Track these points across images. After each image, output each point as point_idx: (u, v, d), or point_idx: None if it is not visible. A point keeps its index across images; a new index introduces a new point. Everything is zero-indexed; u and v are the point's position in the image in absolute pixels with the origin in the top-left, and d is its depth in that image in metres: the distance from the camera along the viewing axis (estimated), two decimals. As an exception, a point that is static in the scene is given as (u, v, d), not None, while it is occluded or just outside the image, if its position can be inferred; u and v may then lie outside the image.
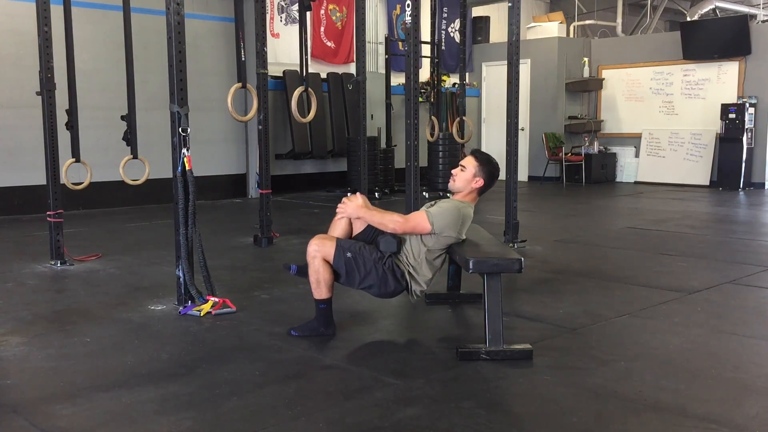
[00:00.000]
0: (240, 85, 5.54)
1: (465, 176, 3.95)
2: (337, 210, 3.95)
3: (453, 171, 4.03)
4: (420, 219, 3.80)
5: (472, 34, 13.71)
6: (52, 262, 5.75)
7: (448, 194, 4.13)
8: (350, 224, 3.98)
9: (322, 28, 11.57)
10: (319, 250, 3.75)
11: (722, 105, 11.46)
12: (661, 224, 7.86)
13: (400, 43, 11.55)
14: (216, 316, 4.24)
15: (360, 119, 7.35)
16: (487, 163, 3.97)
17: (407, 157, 5.85)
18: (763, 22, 13.33)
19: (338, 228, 3.96)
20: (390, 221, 3.80)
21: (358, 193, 4.00)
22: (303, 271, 3.92)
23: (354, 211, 3.89)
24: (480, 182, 3.95)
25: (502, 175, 6.64)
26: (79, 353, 3.63)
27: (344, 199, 3.95)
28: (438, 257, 3.88)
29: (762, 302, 4.72)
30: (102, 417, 2.84)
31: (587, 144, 12.78)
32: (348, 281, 3.84)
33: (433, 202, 4.00)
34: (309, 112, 6.25)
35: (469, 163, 3.97)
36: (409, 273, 3.83)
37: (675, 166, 12.26)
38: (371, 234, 3.93)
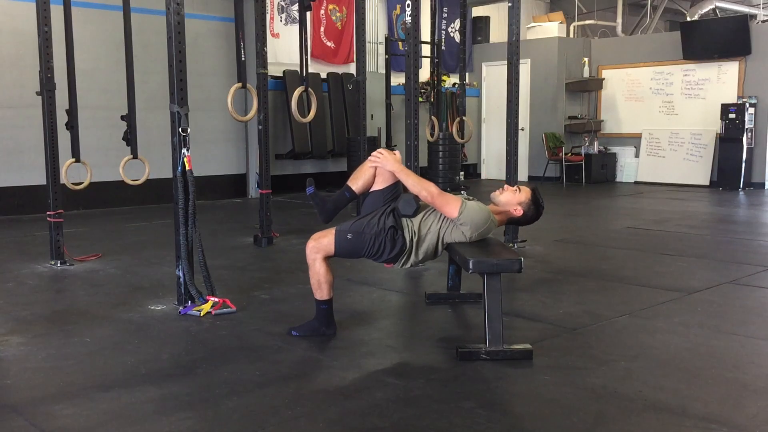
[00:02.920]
0: (240, 85, 5.54)
1: (513, 197, 3.92)
2: (372, 157, 3.84)
3: (506, 185, 4.02)
4: (454, 200, 3.73)
5: (472, 34, 13.71)
6: (52, 262, 5.75)
7: (462, 192, 4.11)
8: (374, 177, 3.88)
9: (322, 28, 11.57)
10: (318, 249, 3.73)
11: (722, 105, 11.46)
12: (661, 224, 7.86)
13: (400, 43, 11.54)
14: (216, 316, 4.24)
15: (360, 119, 7.35)
16: (537, 205, 3.94)
17: (407, 157, 5.85)
18: (763, 22, 13.32)
19: (362, 176, 3.87)
20: (424, 188, 3.73)
21: (395, 150, 3.93)
22: (317, 197, 3.84)
23: (391, 163, 3.80)
24: (519, 212, 3.92)
25: (503, 175, 6.70)
26: (79, 353, 3.63)
27: (380, 150, 3.87)
28: (440, 244, 3.82)
29: (762, 302, 4.72)
30: (102, 417, 2.83)
31: (587, 144, 12.78)
32: (353, 256, 3.84)
33: (470, 197, 3.95)
34: (309, 112, 6.25)
35: (525, 192, 3.94)
36: (411, 241, 3.77)
37: (675, 166, 12.26)
38: (388, 197, 3.86)
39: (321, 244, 3.74)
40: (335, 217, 3.93)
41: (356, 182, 3.90)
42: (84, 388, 3.14)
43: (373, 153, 3.87)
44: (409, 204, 3.76)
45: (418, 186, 3.75)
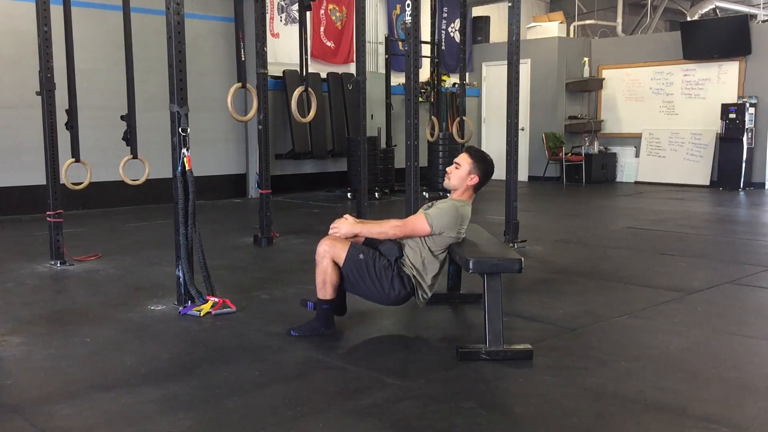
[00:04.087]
0: (240, 85, 5.54)
1: (460, 174, 3.95)
2: (331, 231, 3.92)
3: (448, 169, 4.03)
4: (418, 221, 3.81)
5: (472, 34, 13.70)
6: (52, 262, 5.75)
7: (448, 194, 4.13)
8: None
9: (322, 28, 11.57)
10: (330, 251, 3.75)
11: (722, 105, 11.46)
12: (661, 224, 7.86)
13: (400, 43, 11.54)
14: (216, 316, 4.24)
15: (360, 119, 7.34)
16: (481, 160, 3.97)
17: (407, 157, 5.85)
18: (763, 22, 13.32)
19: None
20: (389, 228, 3.82)
21: (346, 215, 3.99)
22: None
23: (349, 229, 3.88)
24: (475, 179, 3.94)
25: (503, 175, 6.69)
26: (79, 353, 3.63)
27: (335, 222, 3.94)
28: (440, 256, 3.87)
29: (762, 302, 4.72)
30: (102, 417, 2.83)
31: (587, 144, 12.78)
32: (354, 286, 3.82)
33: (430, 204, 4.00)
34: (309, 112, 6.25)
35: (464, 160, 3.97)
36: (414, 277, 3.83)
37: (675, 166, 12.26)
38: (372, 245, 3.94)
39: (334, 248, 3.76)
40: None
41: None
42: (84, 388, 3.14)
43: (331, 226, 3.91)
44: (390, 249, 3.83)
45: (383, 231, 3.84)
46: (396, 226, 3.81)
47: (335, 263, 3.76)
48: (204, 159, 9.65)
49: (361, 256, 3.77)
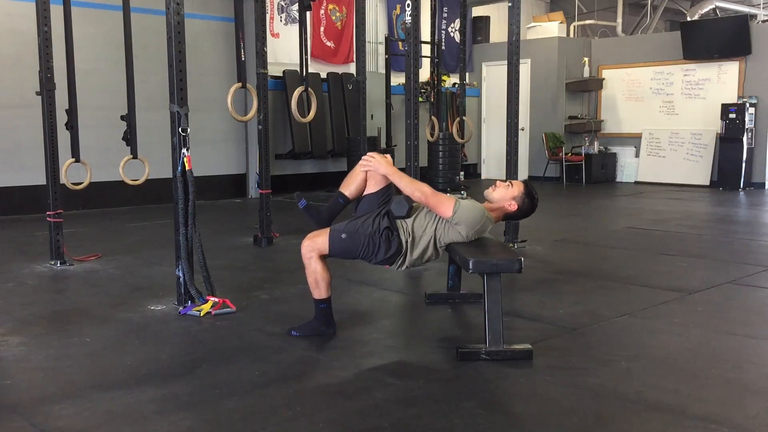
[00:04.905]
0: (240, 85, 5.54)
1: (506, 192, 3.91)
2: (362, 161, 3.83)
3: (498, 182, 4.00)
4: (446, 201, 3.71)
5: (472, 34, 13.71)
6: (52, 262, 5.75)
7: (462, 192, 4.10)
8: (365, 181, 3.88)
9: (322, 28, 11.57)
10: (313, 248, 3.72)
11: (722, 105, 11.46)
12: (661, 224, 7.86)
13: (400, 43, 11.55)
14: (216, 316, 4.24)
15: (360, 119, 7.34)
16: (530, 197, 3.93)
17: (407, 157, 5.85)
18: (763, 22, 13.32)
19: (354, 181, 3.86)
20: (417, 188, 3.73)
21: (387, 155, 3.93)
22: (311, 209, 3.84)
23: (384, 166, 3.77)
24: (514, 207, 3.90)
25: (503, 175, 6.69)
26: (79, 353, 3.63)
27: (371, 153, 3.85)
28: (434, 246, 3.80)
29: (762, 302, 4.72)
30: (102, 417, 2.83)
31: (587, 144, 12.78)
32: (348, 256, 3.81)
33: (465, 195, 3.94)
34: (309, 112, 6.25)
35: (518, 186, 3.93)
36: (407, 242, 3.76)
37: (675, 166, 12.26)
38: (381, 200, 3.85)
39: (316, 243, 3.73)
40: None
41: (348, 187, 3.89)
42: (84, 388, 3.14)
43: (364, 157, 3.85)
44: (401, 205, 3.74)
45: (411, 187, 3.74)
46: (425, 192, 3.71)
47: (322, 257, 3.74)
48: (204, 159, 9.65)
49: (343, 235, 3.72)
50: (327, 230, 3.77)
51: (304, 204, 3.85)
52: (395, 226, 3.77)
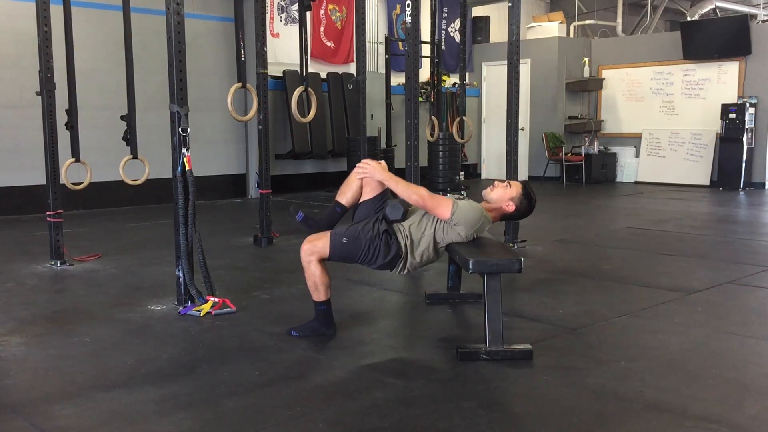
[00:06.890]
0: (240, 85, 5.54)
1: (504, 193, 3.91)
2: (357, 169, 3.83)
3: (496, 182, 4.00)
4: (444, 202, 3.72)
5: (472, 34, 13.71)
6: (52, 262, 5.75)
7: (462, 193, 4.10)
8: (361, 188, 3.88)
9: (322, 28, 11.57)
10: (313, 251, 3.72)
11: (722, 105, 11.46)
12: (661, 224, 7.86)
13: (400, 43, 11.55)
14: (216, 316, 4.24)
15: (360, 119, 7.34)
16: (528, 198, 3.93)
17: (407, 157, 5.85)
18: (763, 22, 13.32)
19: (350, 189, 3.87)
20: (413, 192, 3.73)
21: (381, 161, 3.94)
22: (309, 221, 3.85)
23: (379, 172, 3.78)
24: (511, 208, 3.91)
25: (502, 175, 6.69)
26: (79, 353, 3.63)
27: (365, 160, 3.85)
28: (434, 247, 3.81)
29: (762, 302, 4.72)
30: (102, 417, 2.83)
31: (587, 144, 12.78)
32: (348, 260, 3.82)
33: (463, 195, 3.94)
34: (309, 112, 6.25)
35: (516, 187, 3.93)
36: (405, 245, 3.76)
37: (675, 166, 12.26)
38: (377, 206, 3.86)
39: (316, 246, 3.73)
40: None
41: (344, 196, 3.88)
42: (84, 388, 3.14)
43: (359, 164, 3.85)
44: (396, 208, 3.75)
45: (408, 191, 3.74)
46: (422, 195, 3.71)
47: (321, 261, 3.74)
48: (204, 159, 9.65)
49: (344, 239, 3.73)
50: (327, 234, 3.77)
51: (301, 217, 3.86)
52: (393, 230, 3.77)
